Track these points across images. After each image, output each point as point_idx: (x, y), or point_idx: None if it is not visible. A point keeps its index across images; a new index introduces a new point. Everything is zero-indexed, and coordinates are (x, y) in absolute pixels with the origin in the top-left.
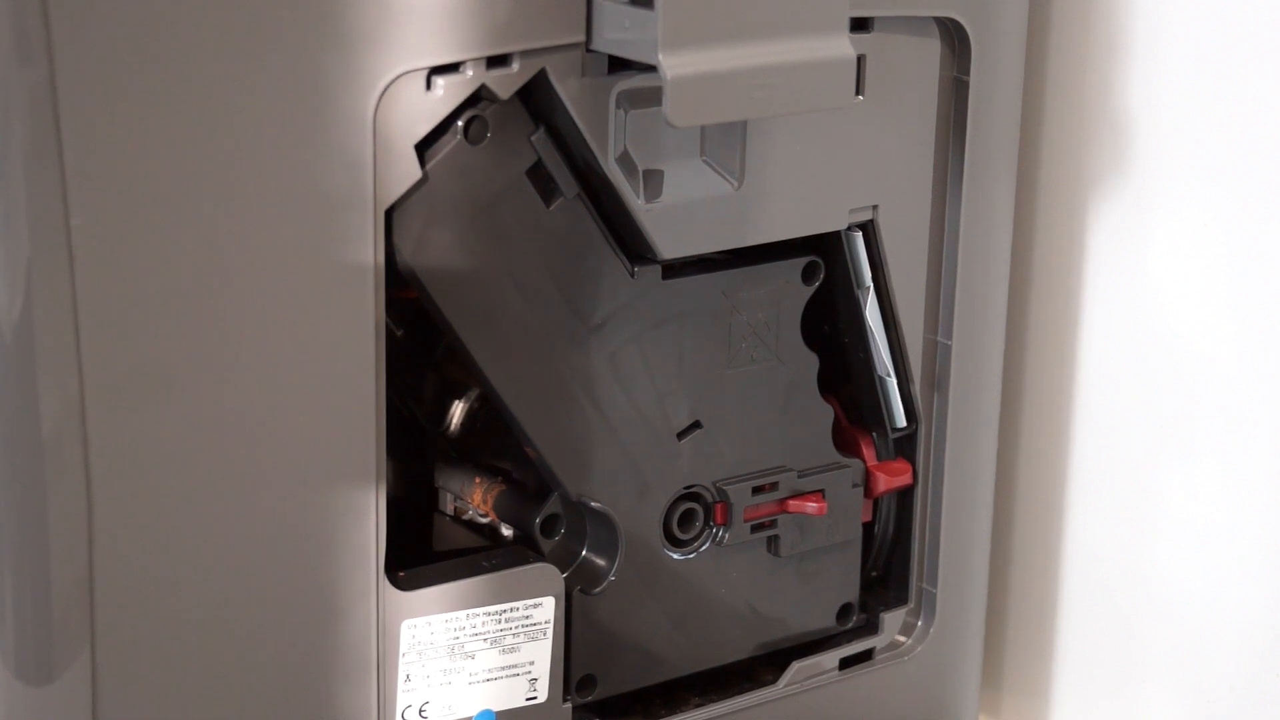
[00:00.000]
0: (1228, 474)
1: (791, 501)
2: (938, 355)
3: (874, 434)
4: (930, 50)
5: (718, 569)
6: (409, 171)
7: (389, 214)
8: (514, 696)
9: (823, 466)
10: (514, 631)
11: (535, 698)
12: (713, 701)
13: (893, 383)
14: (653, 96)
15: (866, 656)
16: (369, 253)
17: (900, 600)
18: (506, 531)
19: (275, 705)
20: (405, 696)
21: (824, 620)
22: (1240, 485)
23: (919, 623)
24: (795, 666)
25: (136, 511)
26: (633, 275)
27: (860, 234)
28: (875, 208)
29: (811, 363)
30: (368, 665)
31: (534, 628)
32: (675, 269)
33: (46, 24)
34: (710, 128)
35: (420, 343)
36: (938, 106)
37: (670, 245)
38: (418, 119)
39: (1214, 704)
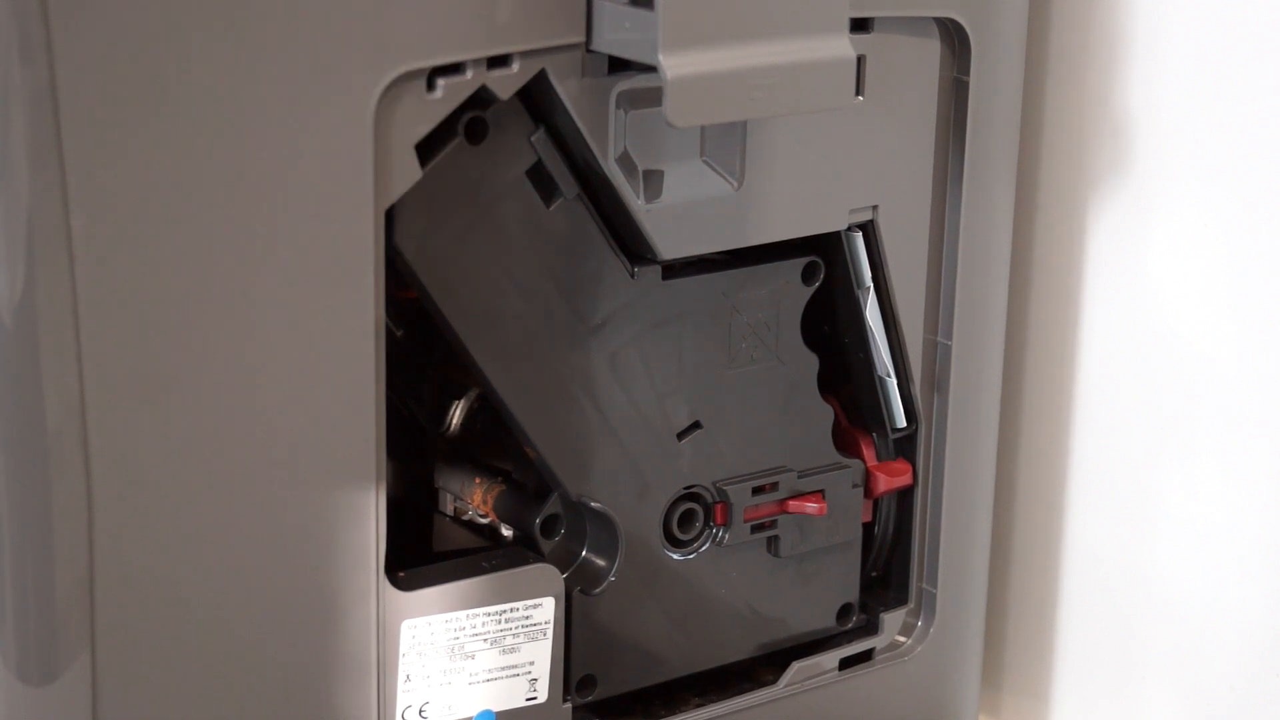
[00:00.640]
0: (1228, 474)
1: (791, 502)
2: (938, 355)
3: (874, 434)
4: (930, 50)
5: (718, 569)
6: (409, 171)
7: (389, 214)
8: (514, 697)
9: (823, 467)
10: (514, 632)
11: (535, 698)
12: (713, 702)
13: (893, 383)
14: (653, 97)
15: (866, 657)
16: (369, 253)
17: (900, 600)
18: (506, 532)
19: (275, 705)
20: (405, 696)
21: (824, 620)
22: (1240, 485)
23: (919, 623)
24: (795, 667)
25: (136, 511)
26: (633, 275)
27: (860, 234)
28: (875, 208)
29: (811, 363)
30: (368, 665)
31: (534, 628)
32: (675, 269)
33: (46, 24)
34: (710, 128)
35: (420, 343)
36: (938, 107)
37: (670, 246)
38: (418, 119)
39: (1214, 704)
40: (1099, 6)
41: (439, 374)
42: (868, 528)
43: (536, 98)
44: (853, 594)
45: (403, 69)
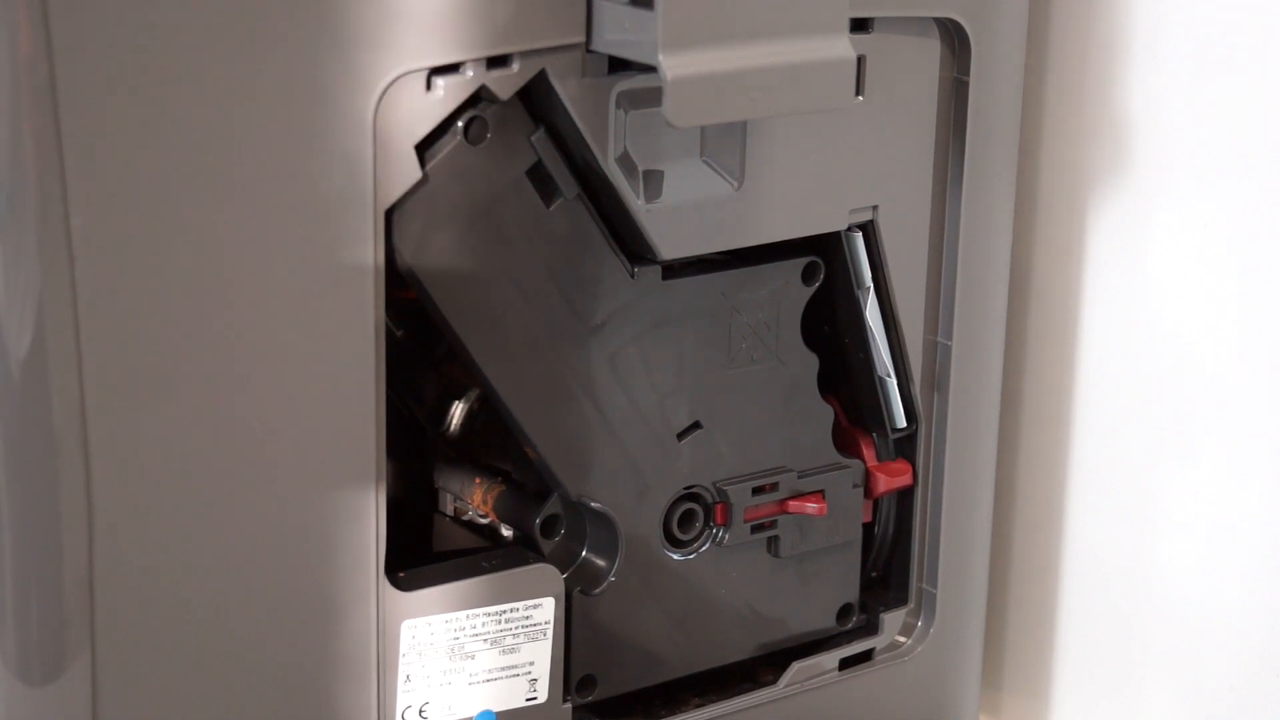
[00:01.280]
0: (1228, 474)
1: (791, 502)
2: (938, 356)
3: (874, 434)
4: (930, 51)
5: (718, 569)
6: (409, 172)
7: (389, 214)
8: (514, 697)
9: (823, 467)
10: (514, 632)
11: (535, 698)
12: (713, 702)
13: (893, 383)
14: (653, 97)
15: (866, 657)
16: (369, 253)
17: (900, 600)
18: (506, 532)
19: (275, 705)
20: (405, 697)
21: (824, 621)
22: (1240, 486)
23: (919, 623)
24: (795, 667)
25: (137, 512)
26: (633, 276)
27: (860, 234)
28: (875, 208)
29: (811, 363)
30: (368, 666)
31: (534, 628)
32: (675, 269)
33: (46, 24)
34: (710, 128)
35: (420, 343)
36: (938, 107)
37: (670, 246)
38: (418, 119)
39: (1214, 704)
40: (1099, 6)
41: (439, 374)
42: (868, 528)
43: (536, 98)
44: (853, 594)
45: (402, 69)
